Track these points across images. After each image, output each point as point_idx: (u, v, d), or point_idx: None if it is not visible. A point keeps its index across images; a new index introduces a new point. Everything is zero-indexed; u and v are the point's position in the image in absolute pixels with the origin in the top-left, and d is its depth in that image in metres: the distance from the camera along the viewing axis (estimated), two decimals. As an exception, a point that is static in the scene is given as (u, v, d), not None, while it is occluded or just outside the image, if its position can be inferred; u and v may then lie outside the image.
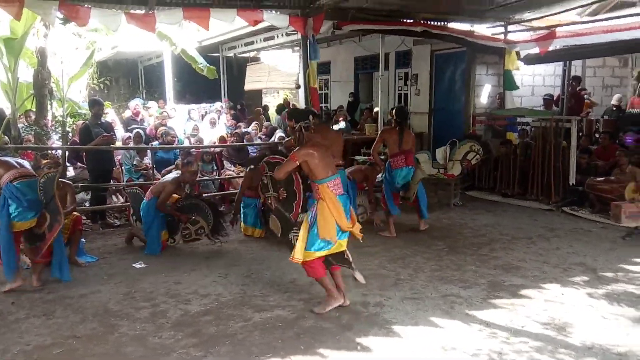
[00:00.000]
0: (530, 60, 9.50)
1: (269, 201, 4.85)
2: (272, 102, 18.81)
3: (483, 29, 9.70)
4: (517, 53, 9.35)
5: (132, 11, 7.02)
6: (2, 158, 5.09)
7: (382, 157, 7.37)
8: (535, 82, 10.90)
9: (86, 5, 6.50)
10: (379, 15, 8.38)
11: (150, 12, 6.98)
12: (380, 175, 6.99)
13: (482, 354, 3.47)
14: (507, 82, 9.53)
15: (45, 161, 6.35)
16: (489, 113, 10.13)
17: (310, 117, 4.81)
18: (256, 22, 7.71)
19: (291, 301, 4.44)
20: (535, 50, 8.85)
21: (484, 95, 10.30)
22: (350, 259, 4.34)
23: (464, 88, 10.44)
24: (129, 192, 6.31)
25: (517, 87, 9.61)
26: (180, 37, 9.43)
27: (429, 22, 8.95)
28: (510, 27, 9.54)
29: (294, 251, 4.16)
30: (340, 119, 11.55)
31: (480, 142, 8.41)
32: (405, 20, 8.70)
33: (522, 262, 5.35)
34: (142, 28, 7.28)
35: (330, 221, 4.04)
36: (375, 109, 11.80)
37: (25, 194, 4.66)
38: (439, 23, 9.21)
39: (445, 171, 8.15)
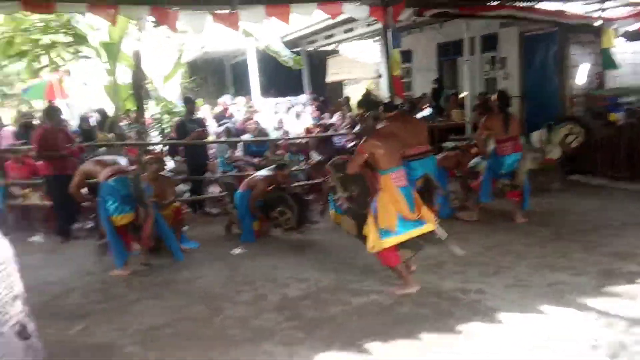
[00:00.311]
0: (630, 36, 8.82)
1: (339, 203, 4.83)
2: (353, 93, 18.74)
3: (576, 7, 9.08)
4: (615, 30, 8.69)
5: (217, 11, 7.26)
6: (99, 158, 5.48)
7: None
8: (636, 60, 10.07)
9: (174, 9, 6.80)
10: (460, 0, 8.08)
11: (234, 11, 7.18)
12: (475, 161, 6.74)
13: (601, 345, 3.24)
14: (606, 61, 8.85)
15: (148, 156, 6.72)
16: (587, 94, 9.50)
17: (381, 107, 4.80)
18: (336, 15, 7.71)
19: (386, 286, 4.40)
20: (636, 26, 8.21)
21: (581, 75, 9.67)
22: (442, 237, 4.29)
23: (558, 69, 9.86)
24: (222, 182, 6.55)
25: (617, 66, 8.93)
26: (264, 33, 9.62)
27: (515, 4, 8.53)
28: (607, 4, 8.87)
29: (368, 243, 4.21)
30: (425, 106, 11.30)
31: (580, 124, 7.91)
32: (489, 4, 8.33)
33: (638, 249, 4.95)
34: (227, 27, 7.48)
35: (390, 210, 4.10)
36: (462, 95, 11.44)
37: (119, 190, 5.01)
38: (526, 4, 8.74)
39: (544, 155, 7.79)
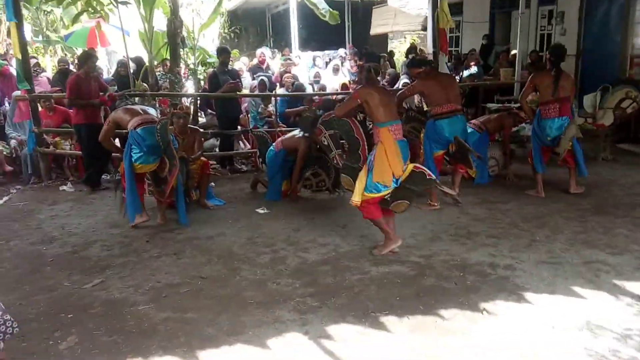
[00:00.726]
0: None
1: (335, 161, 4.64)
2: (398, 47, 18.09)
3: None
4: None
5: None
6: (129, 107, 5.38)
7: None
8: None
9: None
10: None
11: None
12: (524, 125, 6.31)
13: (633, 334, 2.97)
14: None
15: (174, 110, 6.62)
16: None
17: (382, 59, 4.59)
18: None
19: (411, 257, 4.21)
20: None
21: (646, 33, 8.87)
22: (430, 181, 4.26)
23: (621, 26, 9.08)
24: (255, 134, 6.37)
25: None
26: None
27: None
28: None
29: (352, 194, 4.18)
30: (472, 63, 10.70)
31: (638, 88, 7.27)
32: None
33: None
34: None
35: (387, 166, 4.07)
36: (513, 52, 10.75)
37: (145, 139, 4.88)
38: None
39: (594, 121, 7.25)
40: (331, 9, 9.28)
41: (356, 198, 4.14)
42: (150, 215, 5.15)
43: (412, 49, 13.48)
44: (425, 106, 5.76)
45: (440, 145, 5.32)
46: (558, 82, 5.47)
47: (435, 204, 5.40)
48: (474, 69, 10.48)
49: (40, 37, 14.63)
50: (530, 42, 11.24)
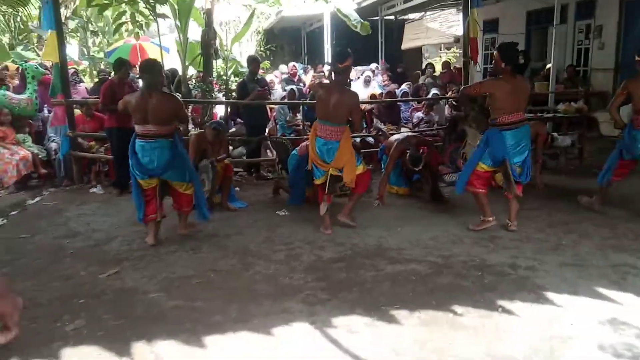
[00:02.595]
0: None
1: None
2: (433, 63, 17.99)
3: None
4: None
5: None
6: None
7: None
8: None
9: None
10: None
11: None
12: (558, 136, 6.02)
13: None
14: None
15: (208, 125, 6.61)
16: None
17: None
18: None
19: (429, 257, 4.10)
20: None
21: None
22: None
23: (660, 39, 8.77)
24: (274, 140, 6.41)
25: None
26: None
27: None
28: None
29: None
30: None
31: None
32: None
33: None
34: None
35: (310, 154, 4.78)
36: (548, 65, 10.52)
37: (142, 154, 4.44)
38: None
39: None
40: (363, 21, 9.29)
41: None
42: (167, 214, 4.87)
43: (446, 66, 13.39)
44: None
45: (494, 160, 4.56)
46: None
47: (490, 219, 4.69)
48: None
49: (87, 57, 15.32)
50: (567, 56, 11.00)
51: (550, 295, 3.30)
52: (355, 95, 4.85)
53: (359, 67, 12.33)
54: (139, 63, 10.96)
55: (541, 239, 4.42)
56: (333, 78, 4.69)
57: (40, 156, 7.08)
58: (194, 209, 4.86)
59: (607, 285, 3.40)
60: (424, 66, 14.78)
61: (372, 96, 8.74)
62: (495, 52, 4.60)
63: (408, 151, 5.66)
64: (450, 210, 5.48)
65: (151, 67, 4.40)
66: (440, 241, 4.48)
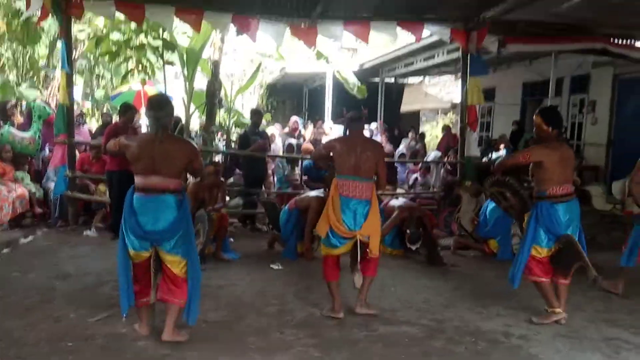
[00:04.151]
0: None
1: None
2: (430, 131, 18.41)
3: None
4: None
5: (295, 25, 7.35)
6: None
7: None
8: None
9: (256, 17, 6.94)
10: (550, 30, 7.66)
11: (312, 25, 7.25)
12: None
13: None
14: None
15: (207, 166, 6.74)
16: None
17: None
18: (416, 35, 7.58)
19: (422, 320, 4.08)
20: None
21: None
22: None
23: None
24: (263, 201, 6.46)
25: None
26: (339, 59, 9.63)
27: (613, 40, 7.98)
28: None
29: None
30: (501, 146, 10.77)
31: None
32: (582, 37, 7.83)
33: None
34: (304, 41, 7.59)
35: (325, 215, 4.05)
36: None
37: (138, 212, 3.51)
38: (625, 41, 8.16)
39: (623, 208, 7.09)
40: (360, 84, 9.57)
41: (323, 250, 4.21)
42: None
43: (445, 128, 13.72)
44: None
45: (552, 238, 4.04)
46: None
47: (557, 310, 4.02)
48: (502, 152, 10.52)
49: (90, 99, 15.57)
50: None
51: (544, 366, 3.28)
52: (381, 145, 4.67)
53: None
54: (141, 108, 11.22)
55: (534, 308, 4.39)
56: (349, 132, 4.37)
57: (37, 195, 7.09)
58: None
59: (600, 358, 3.39)
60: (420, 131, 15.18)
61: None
62: (536, 117, 4.13)
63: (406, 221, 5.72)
64: (444, 274, 5.49)
65: (164, 104, 3.56)
66: (433, 304, 4.46)
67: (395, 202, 6.31)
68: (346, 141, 4.21)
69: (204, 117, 8.96)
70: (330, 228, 4.05)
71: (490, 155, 10.71)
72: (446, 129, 13.26)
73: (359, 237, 4.02)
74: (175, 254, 3.46)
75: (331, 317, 4.03)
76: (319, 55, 9.05)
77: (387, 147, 9.92)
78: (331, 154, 4.21)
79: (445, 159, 8.85)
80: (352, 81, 9.46)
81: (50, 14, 6.78)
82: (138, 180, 3.45)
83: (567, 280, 4.07)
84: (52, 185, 7.27)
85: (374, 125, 12.26)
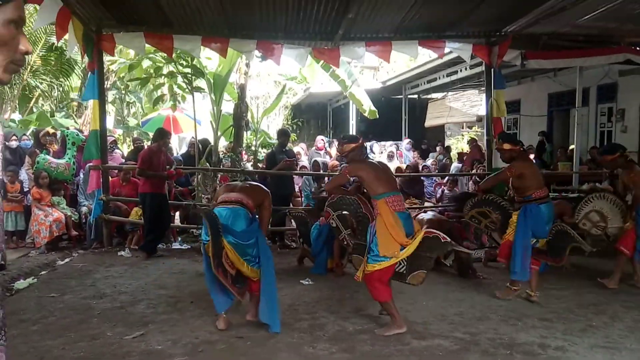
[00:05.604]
0: None
1: (345, 242, 4.61)
2: (455, 144, 18.30)
3: None
4: None
5: (319, 47, 7.51)
6: (232, 183, 5.10)
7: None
8: None
9: (279, 43, 7.13)
10: (574, 42, 7.61)
11: (335, 47, 7.38)
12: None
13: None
14: None
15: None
16: None
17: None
18: (439, 53, 7.63)
19: (455, 332, 4.04)
20: None
21: None
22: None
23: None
24: (293, 214, 6.53)
25: None
26: (354, 79, 9.53)
27: (637, 49, 7.87)
28: None
29: (358, 272, 4.15)
30: (531, 156, 10.64)
31: None
32: (604, 48, 7.74)
33: None
34: (328, 62, 7.73)
35: (389, 237, 3.95)
36: (571, 147, 10.65)
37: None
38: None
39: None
40: (372, 106, 9.45)
41: (359, 273, 4.11)
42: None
43: (471, 142, 13.64)
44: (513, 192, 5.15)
45: (542, 234, 4.81)
46: None
47: (533, 294, 4.80)
48: (531, 163, 10.40)
49: (122, 125, 16.03)
50: (590, 138, 11.14)
51: (582, 377, 3.22)
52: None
53: (382, 142, 12.67)
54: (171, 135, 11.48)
55: (570, 319, 4.33)
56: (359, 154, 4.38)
57: (72, 218, 7.30)
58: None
59: (641, 369, 3.30)
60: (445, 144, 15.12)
61: (397, 169, 8.91)
62: (501, 144, 4.95)
63: None
64: (476, 287, 5.43)
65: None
66: (466, 317, 4.42)
67: (424, 216, 6.30)
68: (368, 163, 4.34)
69: (231, 139, 9.12)
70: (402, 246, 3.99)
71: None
72: (472, 142, 13.19)
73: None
74: (242, 256, 4.11)
75: (399, 333, 3.96)
76: (334, 77, 9.07)
77: (413, 161, 9.94)
78: (351, 179, 4.47)
79: (473, 171, 8.79)
80: (366, 103, 9.42)
81: (85, 53, 7.03)
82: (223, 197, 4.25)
83: (537, 266, 4.86)
84: (84, 209, 7.50)
85: (405, 142, 12.27)
